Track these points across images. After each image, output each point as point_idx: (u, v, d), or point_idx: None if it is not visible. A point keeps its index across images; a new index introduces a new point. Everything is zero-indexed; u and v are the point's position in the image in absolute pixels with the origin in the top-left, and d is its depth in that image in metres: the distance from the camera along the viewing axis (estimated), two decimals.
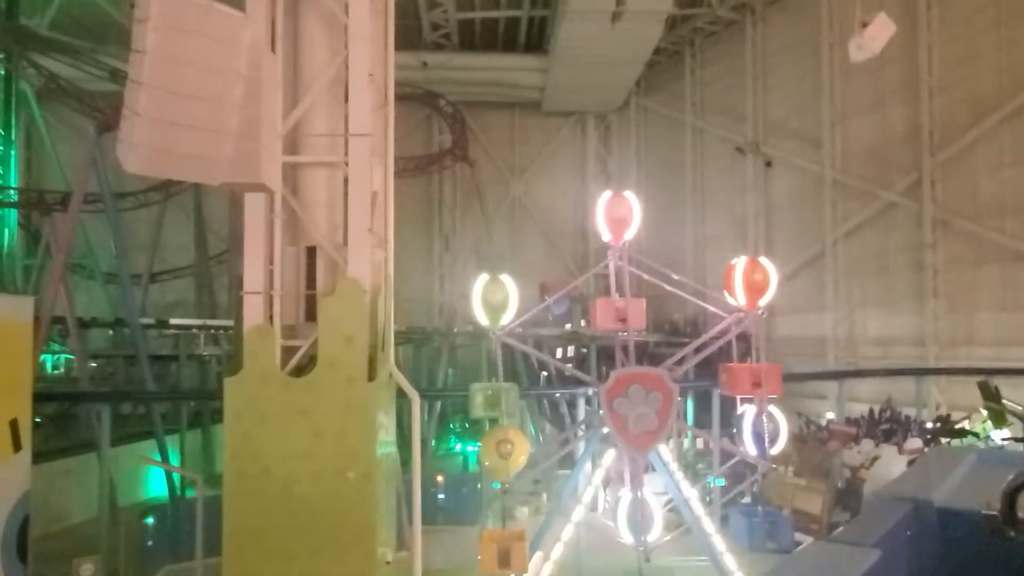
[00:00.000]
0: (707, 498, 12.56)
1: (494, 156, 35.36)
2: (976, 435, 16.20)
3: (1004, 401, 14.57)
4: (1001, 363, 19.48)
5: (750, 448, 9.95)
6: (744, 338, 27.64)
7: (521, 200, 36.40)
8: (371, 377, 8.32)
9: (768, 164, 28.70)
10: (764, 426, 9.76)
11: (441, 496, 15.39)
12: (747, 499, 12.27)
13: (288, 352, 8.38)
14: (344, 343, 8.17)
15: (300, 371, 8.21)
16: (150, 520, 14.39)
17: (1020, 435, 13.92)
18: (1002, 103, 20.67)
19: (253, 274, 8.17)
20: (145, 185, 28.22)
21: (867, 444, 17.15)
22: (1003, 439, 14.08)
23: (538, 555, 10.72)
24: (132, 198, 28.09)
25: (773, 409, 10.01)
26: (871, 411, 17.82)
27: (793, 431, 19.29)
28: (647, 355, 28.58)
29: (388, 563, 8.25)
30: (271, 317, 8.31)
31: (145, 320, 23.83)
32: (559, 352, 28.83)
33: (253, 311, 8.14)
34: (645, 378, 9.40)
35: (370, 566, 8.22)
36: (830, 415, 19.48)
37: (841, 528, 6.00)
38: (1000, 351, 21.02)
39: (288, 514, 8.13)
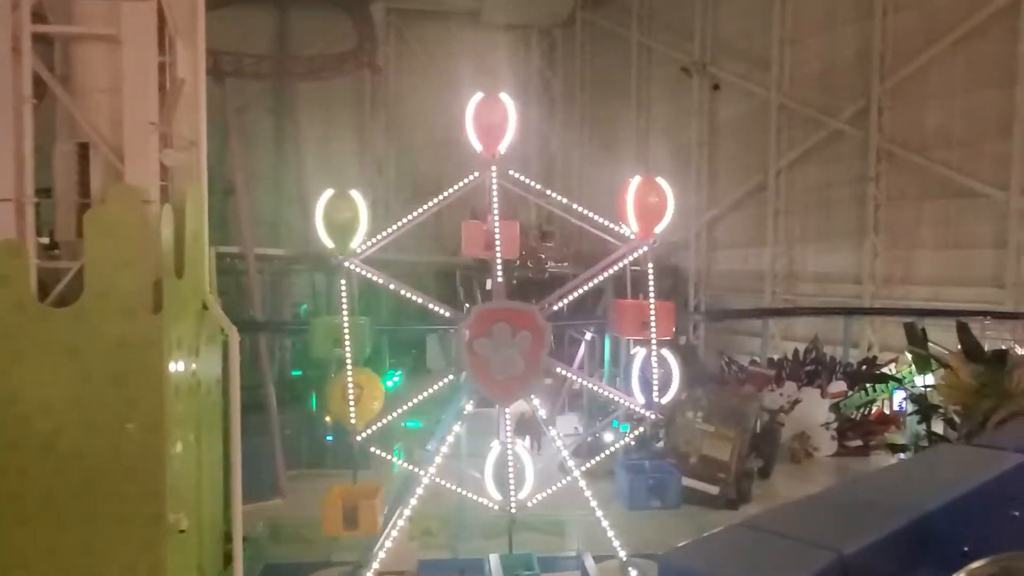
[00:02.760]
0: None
1: (427, 70, 32.88)
2: (899, 380, 15.43)
3: (930, 345, 13.64)
4: (938, 303, 18.64)
5: (638, 396, 8.72)
6: (671, 271, 26.58)
7: (458, 120, 34.16)
8: (156, 308, 6.72)
9: (716, 87, 27.02)
10: (653, 371, 8.49)
11: (330, 438, 14.05)
12: (639, 453, 11.18)
13: (54, 276, 6.75)
14: (119, 266, 6.54)
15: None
16: None
17: None
18: (957, 23, 19.22)
19: (1, 175, 6.46)
20: None
21: (790, 387, 16.28)
22: (926, 385, 13.19)
23: (397, 513, 9.55)
24: None
25: (665, 352, 8.75)
26: (795, 352, 16.88)
27: (714, 372, 18.41)
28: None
29: (183, 531, 6.83)
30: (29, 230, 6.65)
31: None
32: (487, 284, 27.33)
33: (2, 223, 6.47)
34: (512, 315, 7.99)
35: (158, 534, 6.79)
36: (756, 357, 18.59)
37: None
38: (937, 291, 20.23)
39: (54, 473, 6.68)
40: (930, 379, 13.33)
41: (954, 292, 19.65)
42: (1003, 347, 12.11)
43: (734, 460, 12.81)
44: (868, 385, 16.18)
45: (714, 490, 12.67)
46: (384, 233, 8.30)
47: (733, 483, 12.81)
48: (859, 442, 16.54)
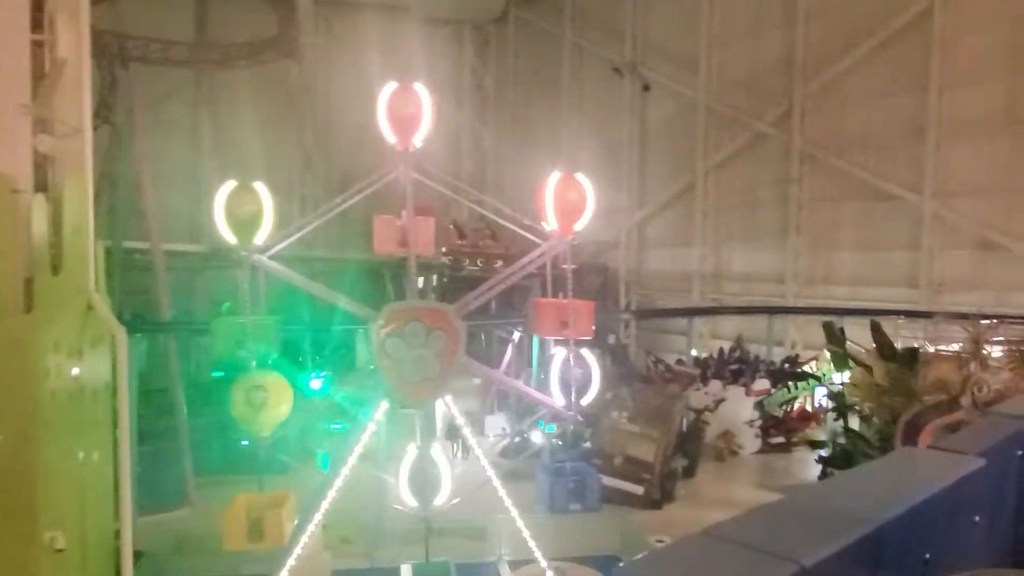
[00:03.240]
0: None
1: (358, 63, 32.11)
2: (818, 378, 15.73)
3: (848, 344, 13.93)
4: (857, 303, 19.17)
5: (557, 397, 8.51)
6: (601, 271, 26.62)
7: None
8: (28, 307, 6.13)
9: (646, 88, 27.26)
10: (572, 372, 8.30)
11: (245, 443, 13.37)
12: (562, 455, 11.02)
13: None
14: None
15: None
16: None
17: None
18: (874, 30, 19.81)
19: None
20: None
21: (715, 385, 16.43)
22: (843, 383, 13.46)
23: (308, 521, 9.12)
24: None
25: (585, 353, 8.56)
26: (720, 350, 17.06)
27: (640, 372, 18.46)
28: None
29: (60, 550, 6.25)
30: None
31: None
32: (422, 281, 26.81)
33: None
34: (426, 314, 7.67)
35: (30, 554, 6.20)
36: (684, 356, 18.73)
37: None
38: (856, 290, 20.83)
39: None
40: (847, 377, 13.62)
41: (872, 292, 20.26)
42: (916, 346, 12.41)
43: (658, 460, 12.77)
44: (790, 383, 16.45)
45: (639, 490, 12.60)
46: (293, 228, 7.83)
47: (657, 483, 12.77)
48: (782, 439, 16.81)
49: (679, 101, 25.94)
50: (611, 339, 18.43)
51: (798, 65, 21.90)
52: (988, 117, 18.09)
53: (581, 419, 8.73)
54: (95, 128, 8.37)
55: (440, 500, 8.46)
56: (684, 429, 14.92)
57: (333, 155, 31.18)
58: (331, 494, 8.18)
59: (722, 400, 15.95)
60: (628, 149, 27.93)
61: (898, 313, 15.56)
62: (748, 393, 16.56)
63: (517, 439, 14.01)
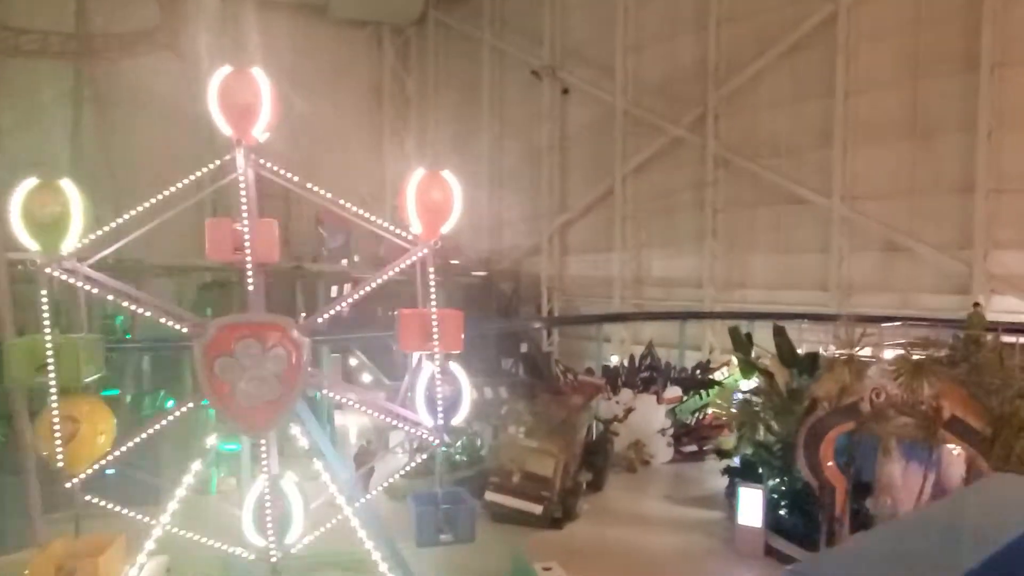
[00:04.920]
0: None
1: (272, 66, 30.75)
2: (722, 385, 15.40)
3: (756, 349, 13.58)
4: (771, 306, 19.01)
5: (425, 417, 7.75)
6: (512, 277, 25.84)
7: (307, 120, 32.15)
8: None
9: (565, 92, 26.84)
10: (440, 389, 7.56)
11: (111, 472, 12.14)
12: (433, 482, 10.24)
13: None
14: None
15: None
16: None
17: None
18: (783, 36, 19.80)
19: None
20: None
21: (626, 394, 15.96)
22: (749, 391, 13.06)
23: (152, 562, 8.14)
24: None
25: (454, 367, 7.84)
26: (631, 358, 16.59)
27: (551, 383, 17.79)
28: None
29: None
30: None
31: None
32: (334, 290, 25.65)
33: None
34: (262, 330, 6.82)
35: None
36: (593, 365, 18.21)
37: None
38: (771, 294, 20.74)
39: None
40: (753, 383, 13.26)
41: (785, 295, 20.19)
42: (816, 350, 12.10)
43: (558, 476, 12.15)
44: (702, 390, 16.09)
45: (536, 509, 11.95)
46: (101, 231, 6.84)
47: (557, 501, 12.15)
48: (695, 447, 16.46)
49: (598, 105, 25.59)
50: (523, 348, 17.77)
51: (711, 70, 21.79)
52: (892, 122, 18.22)
53: (448, 441, 7.96)
54: None
55: (292, 537, 7.63)
56: (591, 441, 14.40)
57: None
58: (157, 532, 7.27)
59: (632, 409, 15.47)
60: (548, 154, 27.47)
61: (803, 317, 15.33)
62: (659, 401, 16.15)
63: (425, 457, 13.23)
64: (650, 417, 16.00)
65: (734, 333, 13.86)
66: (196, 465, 7.06)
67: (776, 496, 11.31)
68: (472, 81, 30.67)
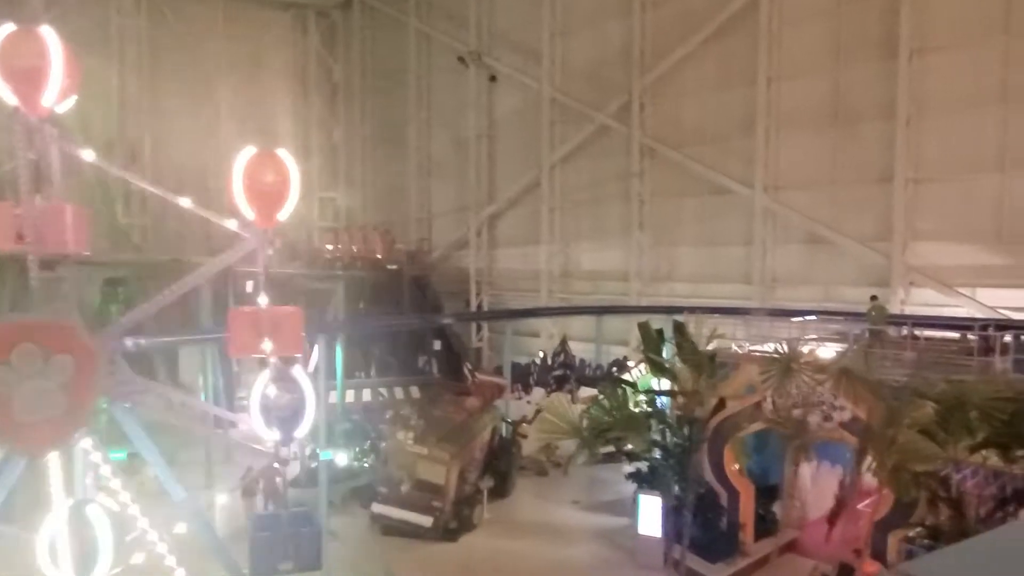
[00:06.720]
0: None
1: (192, 50, 29.15)
2: (634, 385, 14.68)
3: (664, 346, 12.84)
4: (696, 300, 18.43)
5: (260, 429, 6.81)
6: (424, 269, 24.76)
7: (228, 107, 30.58)
8: None
9: (492, 79, 25.95)
10: (274, 397, 6.63)
11: None
12: (269, 506, 9.31)
13: None
14: None
15: None
16: None
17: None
18: (706, 22, 19.21)
19: None
20: None
21: (538, 393, 15.19)
22: (658, 391, 12.34)
23: None
24: None
25: (297, 373, 6.91)
26: (543, 355, 15.81)
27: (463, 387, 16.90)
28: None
29: None
30: None
31: None
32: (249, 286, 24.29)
33: None
34: (44, 333, 5.78)
35: None
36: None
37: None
38: (697, 287, 20.21)
39: None
40: (667, 382, 12.56)
41: (711, 288, 19.68)
42: (713, 348, 11.41)
43: (452, 484, 11.29)
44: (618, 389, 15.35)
45: (427, 520, 11.07)
46: None
47: (451, 511, 11.29)
48: (612, 448, 15.74)
49: (525, 92, 24.77)
50: (436, 345, 16.86)
51: (636, 56, 21.14)
52: (814, 110, 17.78)
53: (287, 456, 7.04)
54: None
55: (100, 571, 6.61)
56: (495, 445, 13.58)
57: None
58: None
59: (539, 411, 14.65)
60: (476, 143, 26.56)
61: (713, 311, 14.69)
62: (574, 401, 15.38)
63: (314, 464, 12.25)
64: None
65: (644, 329, 13.08)
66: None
67: (679, 503, 10.64)
68: (399, 67, 29.56)
